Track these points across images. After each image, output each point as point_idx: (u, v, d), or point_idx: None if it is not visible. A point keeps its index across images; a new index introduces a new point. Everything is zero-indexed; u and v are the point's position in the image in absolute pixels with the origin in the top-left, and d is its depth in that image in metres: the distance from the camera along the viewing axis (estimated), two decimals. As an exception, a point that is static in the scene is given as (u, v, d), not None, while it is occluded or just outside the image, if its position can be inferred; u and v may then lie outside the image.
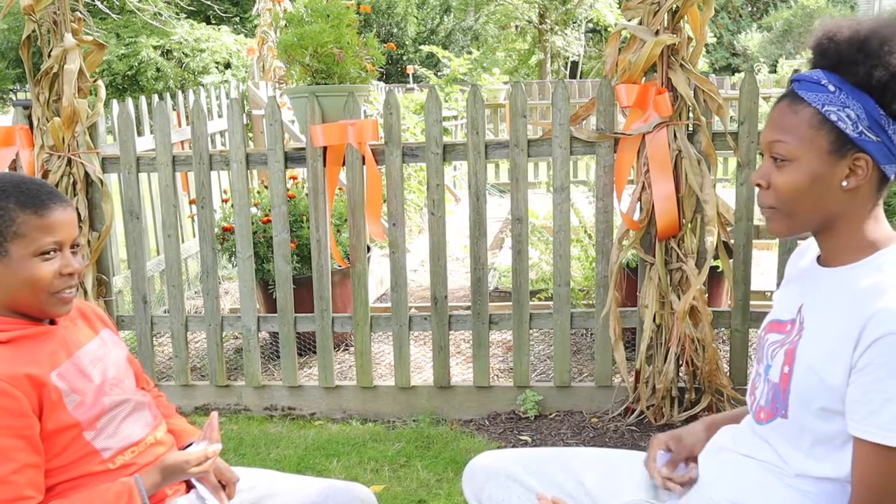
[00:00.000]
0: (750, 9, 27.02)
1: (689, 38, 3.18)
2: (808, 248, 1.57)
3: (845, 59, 1.35)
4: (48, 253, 1.60)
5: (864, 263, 1.39)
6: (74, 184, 3.51)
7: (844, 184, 1.36)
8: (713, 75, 17.83)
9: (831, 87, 1.36)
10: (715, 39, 24.70)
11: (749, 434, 1.53)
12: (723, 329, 3.58)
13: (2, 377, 1.50)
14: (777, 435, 1.45)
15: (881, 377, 1.28)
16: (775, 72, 13.46)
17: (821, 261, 1.48)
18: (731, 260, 3.32)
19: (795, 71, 3.28)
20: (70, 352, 1.68)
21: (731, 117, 6.11)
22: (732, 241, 3.31)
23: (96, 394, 1.68)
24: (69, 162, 3.49)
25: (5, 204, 1.58)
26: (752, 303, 3.36)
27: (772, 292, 3.77)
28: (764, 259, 4.91)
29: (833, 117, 1.35)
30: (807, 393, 1.38)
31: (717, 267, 3.44)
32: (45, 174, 3.48)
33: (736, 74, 14.79)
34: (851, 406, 1.32)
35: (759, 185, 1.43)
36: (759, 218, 6.56)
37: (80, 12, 3.56)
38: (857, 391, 1.31)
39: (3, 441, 1.49)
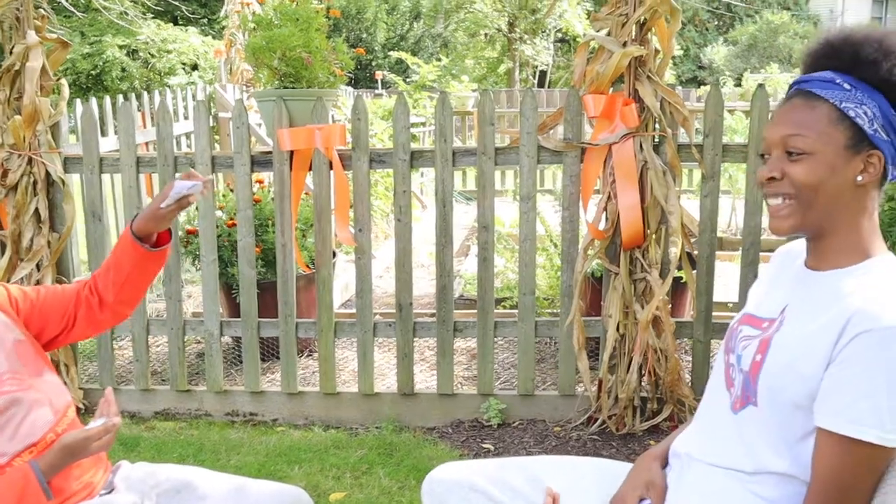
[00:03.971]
0: (716, 23, 27.39)
1: (657, 51, 3.21)
2: (794, 251, 1.58)
3: (865, 58, 1.38)
4: None
5: (853, 269, 1.42)
6: (35, 183, 3.45)
7: (859, 178, 1.39)
8: (679, 87, 18.04)
9: (846, 86, 1.39)
10: (682, 52, 25.00)
11: (716, 431, 1.54)
12: (685, 339, 3.61)
13: None
14: (749, 423, 1.46)
15: (857, 372, 1.30)
16: (740, 85, 13.66)
17: (809, 264, 1.49)
18: (695, 271, 3.35)
19: (761, 85, 3.34)
20: None
21: (696, 129, 6.17)
22: (696, 253, 3.35)
23: None
24: (30, 161, 3.43)
25: None
26: (714, 314, 3.40)
27: (734, 303, 3.81)
28: (727, 271, 4.96)
29: (851, 113, 1.38)
30: (778, 383, 1.40)
31: (681, 278, 3.47)
32: (5, 173, 3.42)
33: (702, 87, 15.00)
34: (823, 398, 1.34)
35: (772, 178, 1.43)
36: (722, 230, 6.61)
37: (44, 9, 3.51)
38: (832, 384, 1.33)
39: None
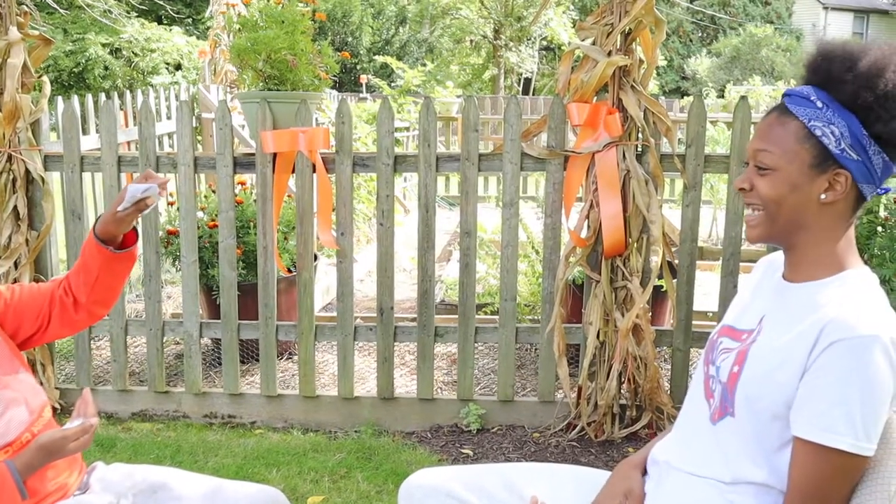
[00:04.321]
0: (700, 34, 27.59)
1: (641, 61, 3.23)
2: (776, 262, 1.60)
3: (835, 77, 1.39)
4: None
5: (828, 282, 1.43)
6: (14, 181, 3.42)
7: (823, 197, 1.40)
8: (663, 98, 18.15)
9: (819, 104, 1.39)
10: (665, 63, 25.18)
11: (695, 441, 1.55)
12: (665, 348, 3.63)
13: None
14: (727, 434, 1.48)
15: (831, 381, 1.32)
16: (723, 97, 13.76)
17: (786, 276, 1.51)
18: (675, 280, 3.37)
19: (743, 97, 3.36)
20: None
21: (678, 140, 6.21)
22: (677, 262, 3.36)
23: None
24: (9, 158, 3.40)
25: None
26: (694, 322, 3.42)
27: (714, 312, 3.84)
28: (706, 280, 5.00)
29: (818, 132, 1.39)
30: (755, 393, 1.41)
31: (661, 286, 3.49)
32: (-16, 170, 3.39)
33: (685, 98, 15.11)
34: (798, 407, 1.36)
35: (742, 188, 1.46)
36: (703, 239, 6.66)
37: (27, 6, 3.48)
38: (806, 393, 1.35)
39: None
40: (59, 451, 1.59)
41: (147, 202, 1.80)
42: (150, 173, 1.83)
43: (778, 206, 1.42)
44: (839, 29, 28.44)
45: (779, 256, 1.59)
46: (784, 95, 1.46)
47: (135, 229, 1.91)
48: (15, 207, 3.44)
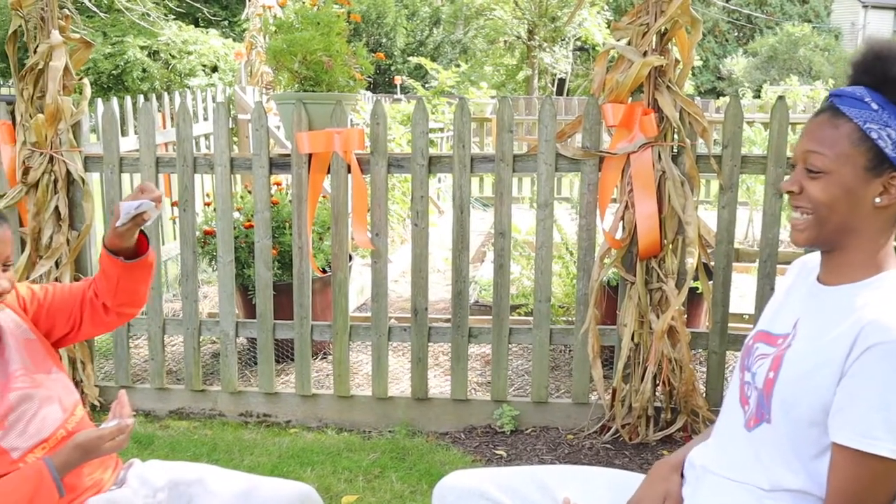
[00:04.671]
0: (736, 34, 27.29)
1: (677, 61, 3.21)
2: (810, 263, 1.58)
3: (892, 78, 1.36)
4: None
5: (865, 284, 1.41)
6: (55, 181, 3.48)
7: (877, 200, 1.38)
8: (698, 98, 17.98)
9: (874, 105, 1.37)
10: (701, 63, 24.94)
11: (731, 447, 1.53)
12: (700, 350, 3.60)
13: None
14: (763, 441, 1.46)
15: (869, 385, 1.30)
16: (759, 97, 13.59)
17: (822, 278, 1.49)
18: (711, 282, 3.34)
19: (781, 97, 3.32)
20: None
21: (714, 140, 6.15)
22: (712, 263, 3.33)
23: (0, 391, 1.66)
24: (51, 159, 3.46)
25: None
26: (730, 325, 3.38)
27: (750, 315, 3.80)
28: (743, 282, 4.94)
29: (874, 135, 1.36)
30: (791, 398, 1.40)
31: (697, 288, 3.46)
32: (27, 171, 3.45)
33: (721, 98, 14.94)
34: (835, 412, 1.34)
35: (790, 191, 1.44)
36: (738, 241, 6.58)
37: (68, 9, 3.54)
38: (844, 398, 1.33)
39: None
40: (95, 450, 1.62)
41: (144, 217, 1.78)
42: (144, 187, 1.81)
43: (830, 209, 1.39)
44: (879, 27, 27.97)
45: (813, 258, 1.57)
46: (833, 96, 1.43)
47: (145, 236, 1.91)
48: (56, 208, 3.50)
